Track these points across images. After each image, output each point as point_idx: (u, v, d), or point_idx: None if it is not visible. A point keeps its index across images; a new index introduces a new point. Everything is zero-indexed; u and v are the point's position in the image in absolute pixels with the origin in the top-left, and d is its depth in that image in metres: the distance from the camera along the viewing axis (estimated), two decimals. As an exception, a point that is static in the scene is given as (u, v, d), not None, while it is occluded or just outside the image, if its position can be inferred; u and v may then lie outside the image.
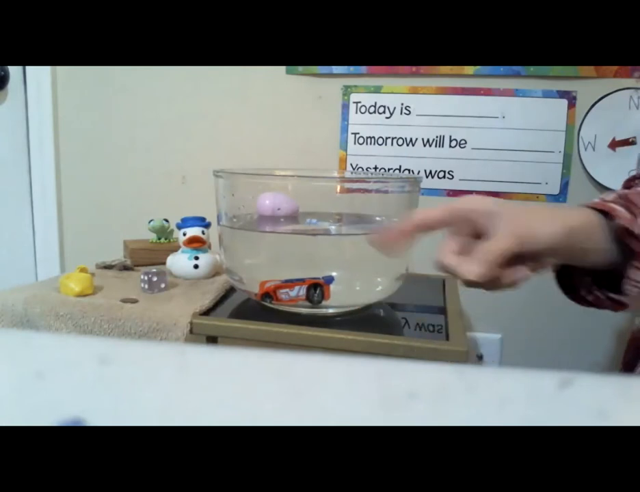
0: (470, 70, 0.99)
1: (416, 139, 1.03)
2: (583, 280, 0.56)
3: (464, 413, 0.19)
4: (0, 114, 1.14)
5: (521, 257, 0.49)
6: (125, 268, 0.84)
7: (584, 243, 0.49)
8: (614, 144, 0.96)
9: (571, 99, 0.97)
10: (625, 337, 0.83)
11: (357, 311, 0.69)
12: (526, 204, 1.01)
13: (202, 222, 0.79)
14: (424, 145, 1.03)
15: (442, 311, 0.71)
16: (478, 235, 0.49)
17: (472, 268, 0.46)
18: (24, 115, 1.17)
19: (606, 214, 0.50)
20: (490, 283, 0.49)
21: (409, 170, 1.05)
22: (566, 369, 0.21)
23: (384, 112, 1.04)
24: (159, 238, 0.91)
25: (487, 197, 0.51)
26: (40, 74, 1.14)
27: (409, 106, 1.03)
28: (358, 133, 1.05)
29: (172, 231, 0.91)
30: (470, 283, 0.49)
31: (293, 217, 0.72)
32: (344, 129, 1.06)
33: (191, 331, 0.63)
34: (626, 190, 0.55)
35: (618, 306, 0.53)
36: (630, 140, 0.95)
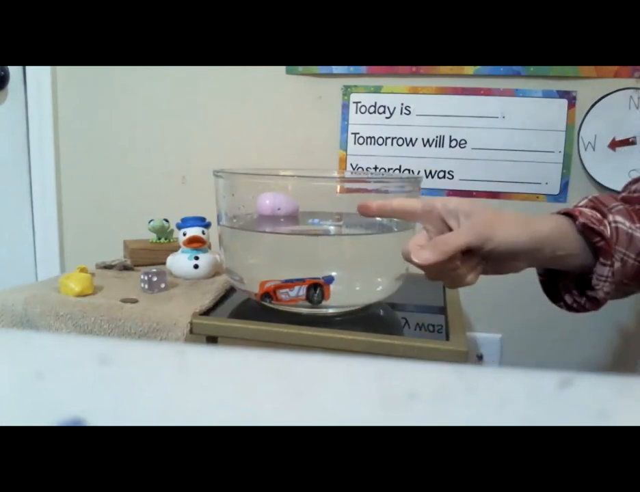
0: (470, 70, 0.99)
1: (416, 139, 1.03)
2: (567, 286, 0.57)
3: (464, 413, 0.19)
4: (0, 114, 1.14)
5: (488, 259, 0.52)
6: (125, 268, 0.84)
7: (557, 249, 0.51)
8: (614, 144, 0.96)
9: (571, 99, 0.97)
10: (627, 337, 0.83)
11: (357, 311, 0.69)
12: (526, 205, 1.01)
13: (202, 222, 0.79)
14: (424, 145, 1.03)
15: (442, 311, 0.71)
16: None
17: (425, 254, 0.48)
18: (24, 115, 1.17)
19: (574, 217, 0.52)
20: (447, 277, 0.52)
21: (409, 170, 1.05)
22: (566, 369, 0.21)
23: (384, 112, 1.04)
24: (159, 238, 0.91)
25: (465, 199, 0.53)
26: (40, 74, 1.14)
27: (409, 106, 1.03)
28: (358, 133, 1.05)
29: (172, 231, 0.91)
30: (428, 274, 0.52)
31: (293, 217, 0.72)
32: (344, 129, 1.06)
33: (191, 331, 0.63)
34: (598, 194, 0.57)
35: (596, 305, 0.55)
36: (630, 140, 0.95)
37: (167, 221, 0.90)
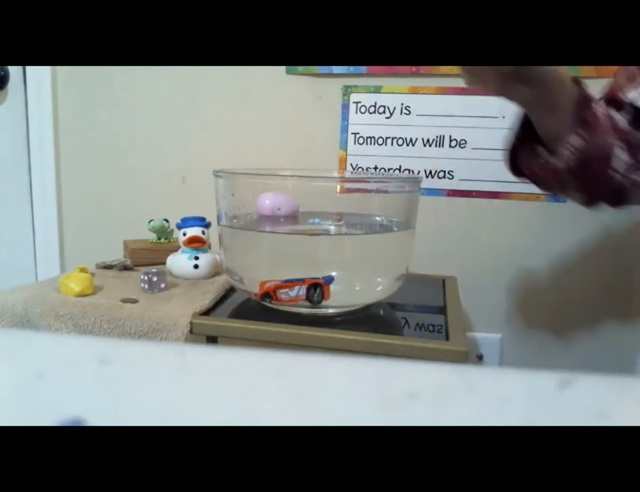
0: (470, 70, 0.99)
1: (416, 139, 1.03)
2: (526, 153, 0.63)
3: (464, 413, 0.19)
4: (0, 114, 1.14)
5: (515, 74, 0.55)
6: (125, 268, 0.84)
7: (559, 94, 0.56)
8: (614, 144, 0.96)
9: (571, 99, 0.97)
10: (627, 337, 0.82)
11: (357, 311, 0.69)
12: (526, 205, 1.02)
13: (202, 222, 0.79)
14: (424, 145, 1.03)
15: (442, 311, 0.71)
16: None
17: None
18: (24, 115, 1.17)
19: (583, 87, 0.58)
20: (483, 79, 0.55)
21: (409, 170, 1.05)
22: (566, 369, 0.21)
23: (384, 112, 1.04)
24: (159, 238, 0.91)
25: None
26: (40, 74, 1.14)
27: (409, 106, 1.03)
28: (358, 133, 1.05)
29: (172, 231, 0.91)
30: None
31: (293, 217, 0.72)
32: (344, 129, 1.06)
33: (191, 331, 0.63)
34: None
35: (548, 174, 0.60)
36: (630, 140, 0.95)
37: (167, 221, 0.90)
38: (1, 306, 0.67)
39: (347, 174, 1.04)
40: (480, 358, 1.08)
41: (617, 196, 0.61)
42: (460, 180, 1.03)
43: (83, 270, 0.73)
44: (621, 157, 0.58)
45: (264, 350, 0.23)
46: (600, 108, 0.57)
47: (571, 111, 0.56)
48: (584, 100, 0.56)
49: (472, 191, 1.03)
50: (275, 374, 0.22)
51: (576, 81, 0.57)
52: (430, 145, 1.03)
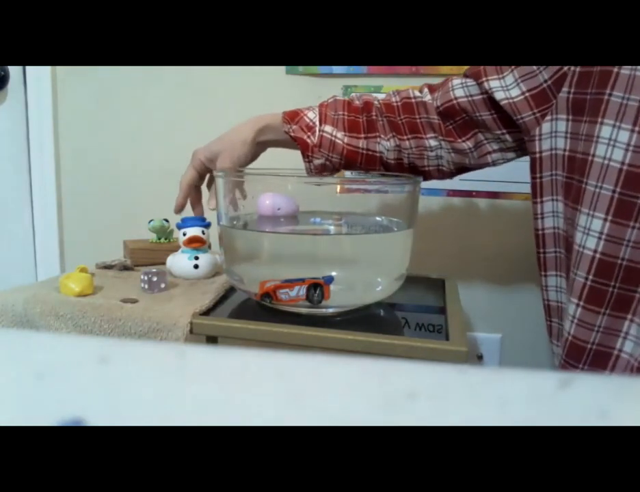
0: (470, 70, 0.99)
1: (416, 139, 1.03)
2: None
3: (464, 413, 0.19)
4: (0, 114, 1.14)
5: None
6: (125, 268, 0.84)
7: (276, 136, 0.73)
8: (614, 144, 0.96)
9: (571, 99, 0.97)
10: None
11: (357, 311, 0.69)
12: (526, 205, 1.01)
13: (202, 222, 0.79)
14: (424, 145, 1.03)
15: (442, 311, 0.71)
16: None
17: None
18: (24, 115, 1.17)
19: (290, 122, 0.72)
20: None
21: (409, 170, 1.05)
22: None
23: (384, 112, 1.04)
24: (159, 238, 0.91)
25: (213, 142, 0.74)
26: (40, 74, 1.15)
27: (409, 106, 1.03)
28: (358, 133, 1.05)
29: (172, 231, 0.91)
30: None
31: (293, 217, 0.72)
32: (344, 129, 1.06)
33: (191, 331, 0.63)
34: (339, 99, 0.74)
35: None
36: (630, 140, 0.95)
37: (167, 221, 0.90)
38: (1, 306, 0.67)
39: (347, 174, 1.03)
40: (480, 358, 1.09)
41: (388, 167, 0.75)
42: (460, 180, 1.03)
43: (83, 270, 0.73)
44: (383, 144, 0.72)
45: (264, 350, 0.23)
46: (317, 130, 0.71)
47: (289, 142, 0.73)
48: (291, 136, 0.72)
49: (472, 191, 1.03)
50: (275, 374, 0.22)
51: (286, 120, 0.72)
52: (430, 145, 1.03)
